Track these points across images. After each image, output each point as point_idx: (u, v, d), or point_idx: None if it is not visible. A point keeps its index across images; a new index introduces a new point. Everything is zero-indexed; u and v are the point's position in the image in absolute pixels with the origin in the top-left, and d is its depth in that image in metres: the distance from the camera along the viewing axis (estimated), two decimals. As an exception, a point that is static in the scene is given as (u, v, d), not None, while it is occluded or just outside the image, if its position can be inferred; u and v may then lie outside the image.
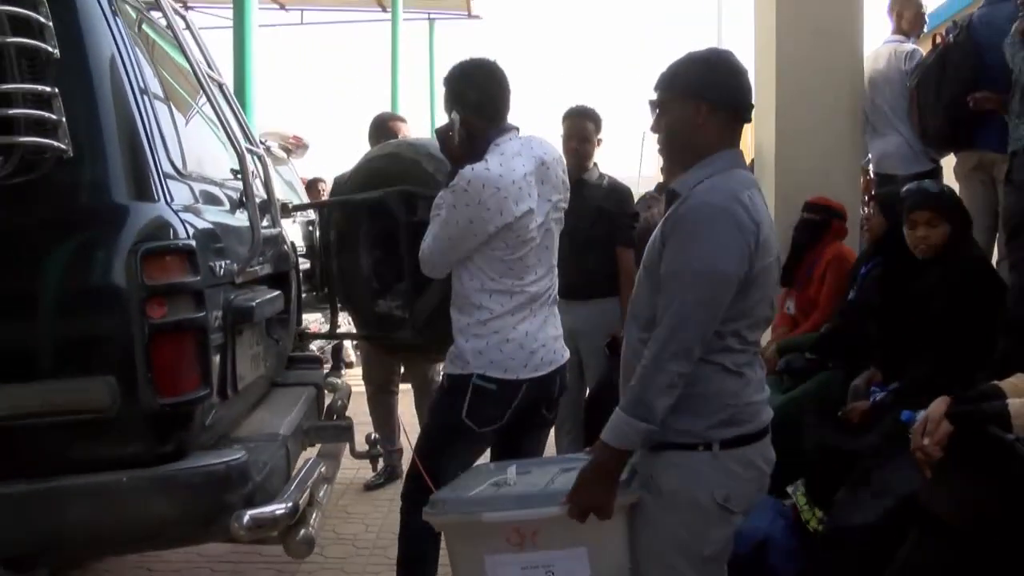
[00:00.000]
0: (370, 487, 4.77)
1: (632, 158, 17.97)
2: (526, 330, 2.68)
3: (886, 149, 4.85)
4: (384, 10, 12.92)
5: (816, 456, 3.43)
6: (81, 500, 2.03)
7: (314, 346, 5.88)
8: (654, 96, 2.11)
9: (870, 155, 5.06)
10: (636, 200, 6.47)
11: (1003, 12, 4.00)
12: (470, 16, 16.32)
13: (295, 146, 8.38)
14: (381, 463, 4.71)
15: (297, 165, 8.82)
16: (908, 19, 4.96)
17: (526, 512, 2.07)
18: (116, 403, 2.01)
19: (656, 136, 2.14)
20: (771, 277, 2.00)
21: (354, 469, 4.88)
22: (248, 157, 2.60)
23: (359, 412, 4.66)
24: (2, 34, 2.02)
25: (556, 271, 2.86)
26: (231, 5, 6.34)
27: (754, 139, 5.38)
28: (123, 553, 3.25)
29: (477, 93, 2.66)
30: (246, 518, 2.11)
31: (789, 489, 3.61)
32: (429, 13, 16.43)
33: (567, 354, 2.89)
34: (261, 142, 7.67)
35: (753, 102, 2.13)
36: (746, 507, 2.06)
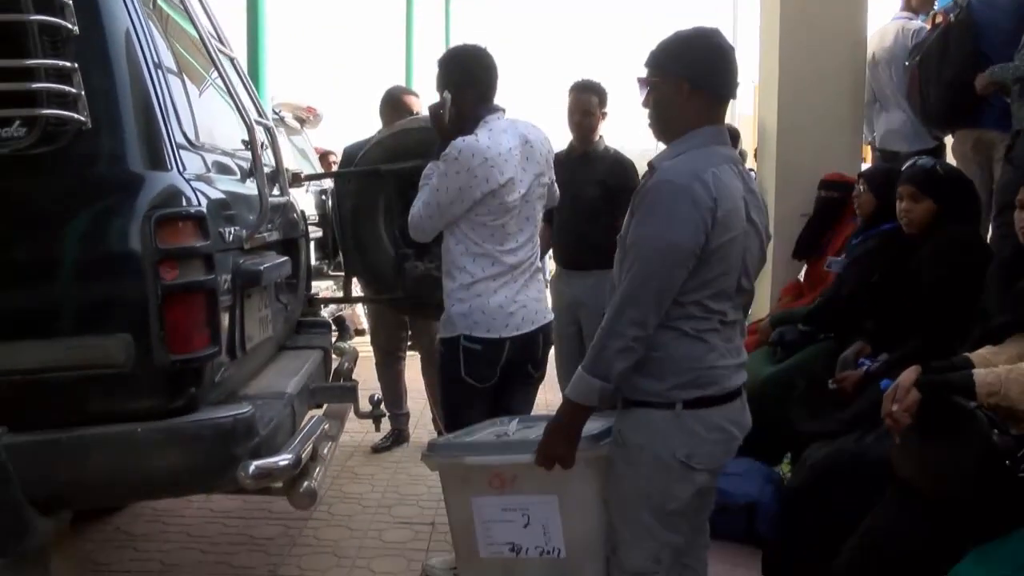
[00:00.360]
0: (377, 449, 4.94)
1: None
2: (506, 294, 2.90)
3: (890, 126, 4.92)
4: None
5: (797, 435, 3.56)
6: (99, 449, 2.18)
7: (326, 313, 6.06)
8: (643, 74, 2.21)
9: (875, 132, 5.12)
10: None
11: (1002, -9, 4.08)
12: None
13: (309, 116, 8.49)
14: (388, 426, 4.90)
15: (311, 135, 8.95)
16: None
17: (502, 458, 2.27)
18: (131, 359, 2.15)
19: (647, 111, 2.25)
20: (736, 250, 2.08)
21: (362, 432, 5.06)
22: (257, 128, 2.73)
23: (370, 378, 4.83)
24: (26, 12, 2.15)
25: (537, 242, 3.05)
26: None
27: (757, 115, 5.46)
28: (139, 500, 3.45)
29: (469, 75, 2.91)
30: (252, 468, 2.26)
31: (784, 465, 3.76)
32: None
33: (550, 315, 3.08)
34: (275, 112, 7.83)
35: (739, 80, 2.21)
36: (712, 466, 2.16)
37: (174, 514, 3.98)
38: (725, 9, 16.65)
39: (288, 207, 3.41)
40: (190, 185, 2.30)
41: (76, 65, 2.20)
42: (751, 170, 5.69)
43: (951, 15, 4.31)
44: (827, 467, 3.13)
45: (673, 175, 2.04)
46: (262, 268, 2.74)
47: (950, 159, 4.65)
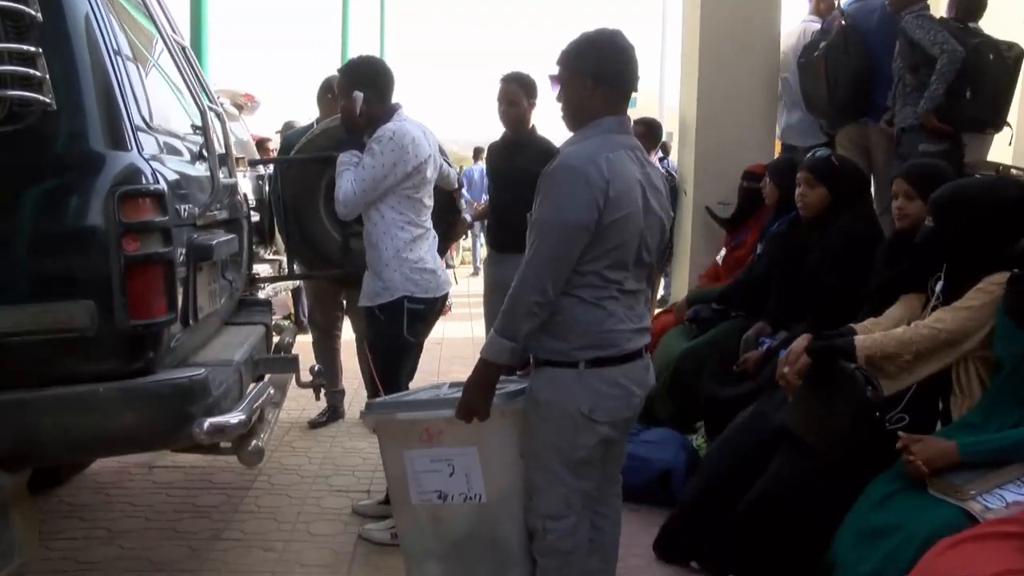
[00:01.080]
0: (314, 425, 5.14)
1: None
2: (427, 257, 3.53)
3: (790, 122, 5.30)
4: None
5: (707, 404, 3.87)
6: (64, 408, 2.35)
7: (262, 295, 6.22)
8: (555, 71, 2.48)
9: (778, 127, 5.48)
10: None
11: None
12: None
13: (247, 103, 8.56)
14: (325, 403, 5.11)
15: (248, 121, 9.01)
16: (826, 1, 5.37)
17: (428, 414, 2.54)
18: (95, 324, 2.33)
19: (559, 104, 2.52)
20: (632, 227, 2.33)
21: (299, 410, 5.26)
22: (208, 114, 2.91)
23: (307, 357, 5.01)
24: (-9, -1, 2.31)
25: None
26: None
27: (679, 108, 5.77)
28: (101, 455, 3.62)
29: (379, 78, 3.52)
30: (206, 424, 2.47)
31: (696, 437, 4.06)
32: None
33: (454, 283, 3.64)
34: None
35: (638, 75, 2.47)
36: (613, 419, 2.40)
37: (117, 486, 4.13)
38: (654, 8, 17.08)
39: (234, 189, 3.59)
40: (149, 164, 2.48)
41: (40, 50, 2.36)
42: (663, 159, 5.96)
43: (842, 20, 4.72)
44: (732, 433, 3.43)
45: (571, 159, 2.30)
46: (213, 243, 2.93)
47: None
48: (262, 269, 6.51)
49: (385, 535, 3.50)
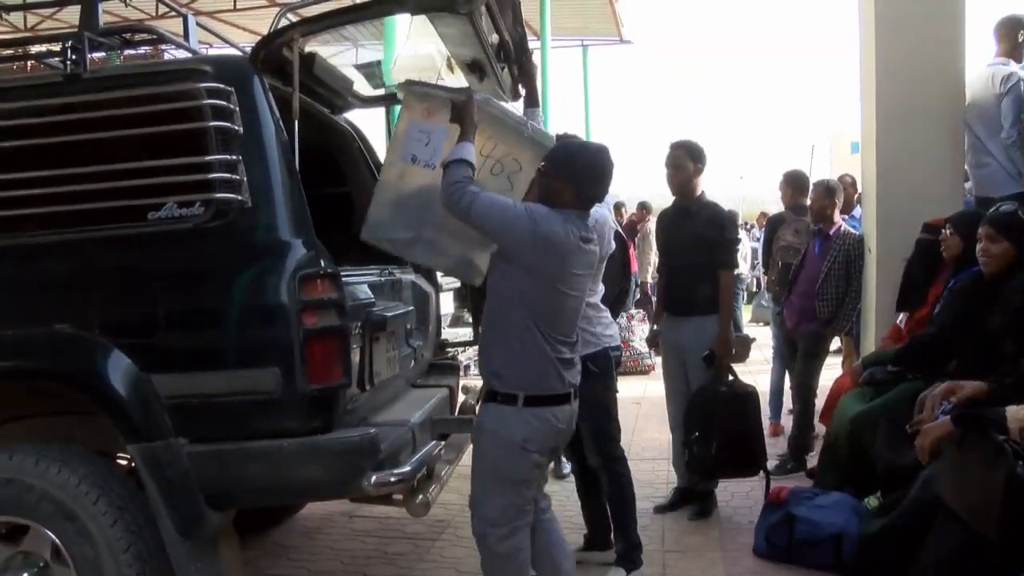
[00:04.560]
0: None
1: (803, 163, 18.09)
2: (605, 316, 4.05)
3: (981, 174, 5.03)
4: (535, 37, 13.58)
5: (882, 470, 3.77)
6: (255, 458, 2.78)
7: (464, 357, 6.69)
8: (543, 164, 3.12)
9: (969, 181, 5.24)
10: (775, 223, 6.84)
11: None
12: (621, 41, 16.87)
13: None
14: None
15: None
16: (1012, 42, 5.09)
17: (434, 91, 3.18)
18: (279, 388, 2.75)
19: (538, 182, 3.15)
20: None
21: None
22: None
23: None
24: (207, 119, 2.83)
25: None
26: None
27: (860, 162, 5.66)
28: (285, 501, 4.08)
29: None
30: (374, 478, 2.81)
31: (871, 500, 3.96)
32: (582, 40, 17.11)
33: None
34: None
35: (603, 188, 3.14)
36: (543, 449, 3.03)
37: (321, 531, 4.61)
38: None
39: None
40: (326, 251, 2.89)
41: (240, 157, 2.86)
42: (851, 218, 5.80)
43: None
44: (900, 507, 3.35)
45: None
46: (388, 316, 3.32)
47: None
48: (464, 332, 6.99)
49: None
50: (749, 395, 4.55)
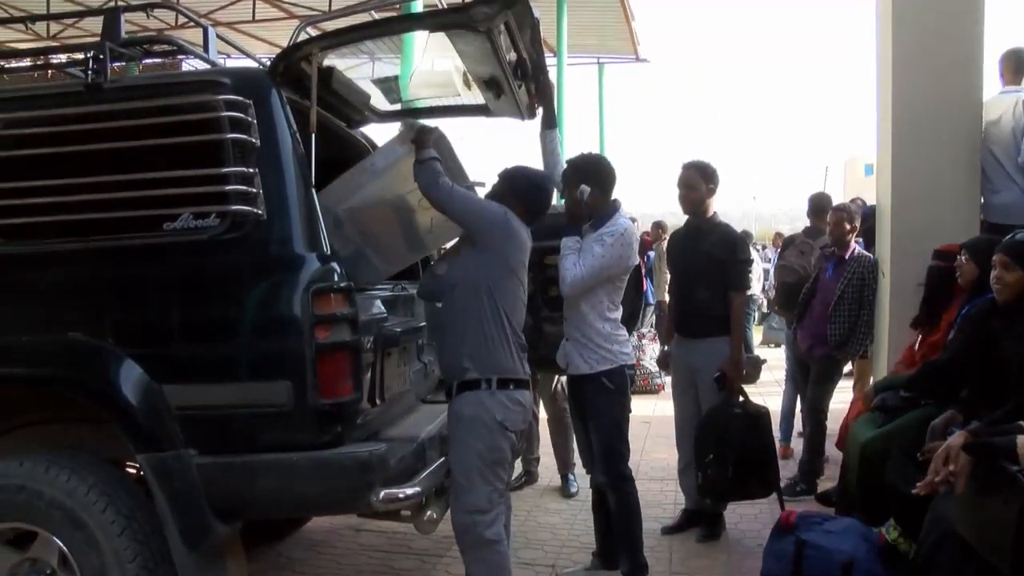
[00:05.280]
0: (511, 488, 5.41)
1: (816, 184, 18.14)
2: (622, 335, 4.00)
3: (1001, 201, 4.99)
4: (552, 54, 13.61)
5: (893, 497, 3.72)
6: (264, 471, 2.78)
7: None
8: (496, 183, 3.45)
9: (983, 207, 5.19)
10: (784, 244, 6.82)
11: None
12: (637, 59, 16.91)
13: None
14: (520, 467, 5.44)
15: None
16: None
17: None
18: (291, 401, 2.75)
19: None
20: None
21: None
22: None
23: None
24: (224, 131, 2.85)
25: None
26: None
27: (876, 185, 5.63)
28: (293, 514, 4.08)
29: (604, 176, 3.96)
30: (382, 494, 2.80)
31: (882, 528, 3.90)
32: (598, 58, 17.15)
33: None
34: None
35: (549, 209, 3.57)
36: (516, 430, 3.26)
37: (327, 545, 4.60)
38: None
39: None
40: (340, 265, 2.90)
41: (256, 170, 2.87)
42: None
43: None
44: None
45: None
46: (399, 331, 3.32)
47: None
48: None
49: None
50: (761, 415, 4.55)
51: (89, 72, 3.01)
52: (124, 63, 3.53)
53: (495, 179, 3.59)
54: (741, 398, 4.51)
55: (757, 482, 4.52)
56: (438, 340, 3.52)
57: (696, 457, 4.52)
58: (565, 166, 4.01)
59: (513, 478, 5.44)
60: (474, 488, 3.16)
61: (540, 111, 4.00)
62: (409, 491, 2.90)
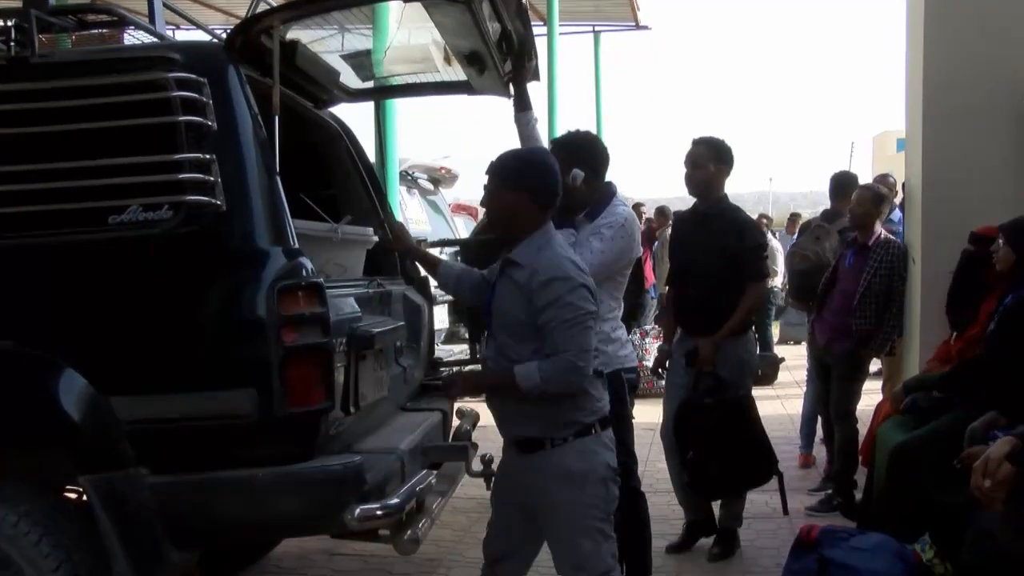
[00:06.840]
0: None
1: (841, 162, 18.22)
2: (623, 332, 3.90)
3: None
4: (542, 22, 13.44)
5: (928, 510, 3.73)
6: (225, 490, 2.78)
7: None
8: (486, 180, 3.04)
9: None
10: (802, 229, 6.83)
11: None
12: (637, 27, 16.88)
13: (444, 177, 9.33)
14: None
15: (446, 194, 9.80)
16: None
17: None
18: (256, 411, 2.75)
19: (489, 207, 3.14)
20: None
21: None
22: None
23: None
24: (176, 113, 2.85)
25: None
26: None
27: (905, 165, 5.64)
28: (259, 538, 4.05)
29: (597, 157, 3.79)
30: (357, 511, 2.81)
31: (917, 546, 3.91)
32: (593, 25, 17.12)
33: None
34: (409, 174, 8.66)
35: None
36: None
37: (297, 572, 4.60)
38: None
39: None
40: (308, 259, 2.91)
41: (213, 156, 2.87)
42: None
43: None
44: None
45: (558, 272, 2.90)
46: (375, 332, 3.33)
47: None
48: (460, 349, 6.99)
49: None
50: (740, 404, 4.53)
51: (12, 44, 2.97)
52: (54, 34, 3.49)
53: (485, 175, 3.20)
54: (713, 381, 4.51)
55: (750, 476, 4.56)
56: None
57: (679, 455, 4.56)
58: (549, 148, 3.90)
59: None
60: (600, 550, 2.97)
61: (512, 90, 3.86)
62: (387, 507, 2.90)
